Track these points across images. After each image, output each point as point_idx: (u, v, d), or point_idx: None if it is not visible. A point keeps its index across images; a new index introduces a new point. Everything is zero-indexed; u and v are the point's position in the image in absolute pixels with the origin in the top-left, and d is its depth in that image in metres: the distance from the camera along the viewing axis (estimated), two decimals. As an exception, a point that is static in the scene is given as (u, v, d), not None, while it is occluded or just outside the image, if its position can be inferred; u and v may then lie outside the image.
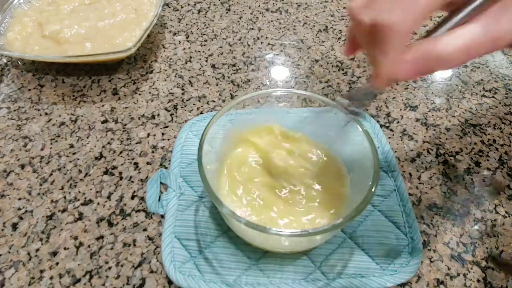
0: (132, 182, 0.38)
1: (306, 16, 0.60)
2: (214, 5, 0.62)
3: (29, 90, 0.48)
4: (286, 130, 0.37)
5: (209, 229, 0.34)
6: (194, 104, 0.46)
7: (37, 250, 0.34)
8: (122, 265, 0.33)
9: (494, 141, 0.42)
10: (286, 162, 0.35)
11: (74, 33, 0.48)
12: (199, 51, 0.54)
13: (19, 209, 0.36)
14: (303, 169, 0.34)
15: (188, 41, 0.55)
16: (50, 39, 0.48)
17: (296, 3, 0.62)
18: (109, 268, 0.32)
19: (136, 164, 0.40)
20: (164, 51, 0.54)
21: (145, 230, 0.35)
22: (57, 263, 0.33)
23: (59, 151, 0.41)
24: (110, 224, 0.35)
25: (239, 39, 0.56)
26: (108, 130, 0.43)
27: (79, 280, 0.32)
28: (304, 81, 0.49)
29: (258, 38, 0.56)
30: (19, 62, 0.52)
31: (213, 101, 0.47)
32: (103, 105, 0.46)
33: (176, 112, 0.45)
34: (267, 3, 0.62)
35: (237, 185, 0.33)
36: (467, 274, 0.32)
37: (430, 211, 0.36)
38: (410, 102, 0.46)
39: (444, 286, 0.31)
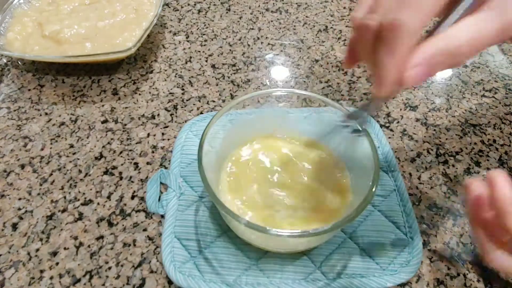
0: (132, 182, 0.38)
1: (306, 16, 0.60)
2: (214, 5, 0.62)
3: (29, 90, 0.48)
4: (286, 135, 0.37)
5: (209, 229, 0.34)
6: (194, 104, 0.46)
7: (37, 250, 0.34)
8: (122, 265, 0.33)
9: (494, 141, 0.42)
10: (286, 163, 0.35)
11: (74, 33, 0.48)
12: (199, 51, 0.54)
13: (19, 209, 0.36)
14: (303, 169, 0.34)
15: (188, 41, 0.55)
16: (50, 39, 0.48)
17: (296, 3, 0.62)
18: (109, 268, 0.32)
19: (136, 164, 0.40)
20: (164, 51, 0.54)
21: (145, 230, 0.35)
22: (57, 263, 0.33)
23: (59, 151, 0.41)
24: (110, 224, 0.35)
25: (239, 39, 0.56)
26: (108, 130, 0.43)
27: (79, 280, 0.32)
28: (304, 81, 0.49)
29: (258, 38, 0.56)
30: (19, 62, 0.52)
31: (213, 101, 0.47)
32: (103, 105, 0.46)
33: (176, 112, 0.45)
34: (267, 3, 0.62)
35: (237, 185, 0.33)
36: (467, 274, 0.32)
37: (430, 211, 0.36)
38: (410, 102, 0.46)
39: (444, 286, 0.31)
